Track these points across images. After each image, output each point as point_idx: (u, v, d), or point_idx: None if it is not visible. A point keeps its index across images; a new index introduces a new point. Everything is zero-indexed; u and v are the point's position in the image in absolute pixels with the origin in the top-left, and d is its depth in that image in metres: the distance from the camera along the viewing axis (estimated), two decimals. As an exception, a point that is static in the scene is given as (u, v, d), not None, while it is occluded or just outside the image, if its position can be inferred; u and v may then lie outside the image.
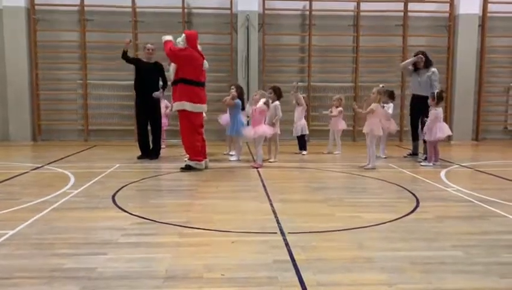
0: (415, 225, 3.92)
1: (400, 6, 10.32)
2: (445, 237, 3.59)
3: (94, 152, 8.55)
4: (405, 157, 7.98)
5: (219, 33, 10.18)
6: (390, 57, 10.59)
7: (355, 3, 10.31)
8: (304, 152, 8.25)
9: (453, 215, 4.24)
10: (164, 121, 8.75)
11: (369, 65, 10.51)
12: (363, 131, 6.85)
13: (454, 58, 10.48)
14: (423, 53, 7.79)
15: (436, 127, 6.92)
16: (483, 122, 10.75)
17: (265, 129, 6.92)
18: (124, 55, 7.42)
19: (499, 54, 10.72)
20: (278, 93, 7.49)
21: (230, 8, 10.02)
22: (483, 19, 10.41)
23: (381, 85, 6.95)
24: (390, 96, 8.04)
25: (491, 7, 10.35)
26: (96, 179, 5.80)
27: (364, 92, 10.25)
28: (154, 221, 3.97)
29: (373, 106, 6.67)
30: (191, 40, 6.37)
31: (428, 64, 7.72)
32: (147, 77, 7.47)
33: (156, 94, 7.44)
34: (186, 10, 10.08)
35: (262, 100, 6.86)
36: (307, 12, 10.29)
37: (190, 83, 6.36)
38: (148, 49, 7.55)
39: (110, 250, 3.24)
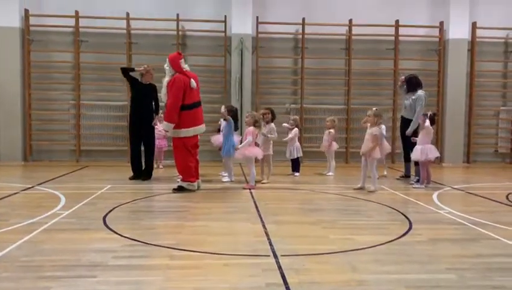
0: (408, 248, 3.90)
1: (391, 30, 10.51)
2: (439, 260, 3.57)
3: (85, 173, 8.48)
4: (397, 179, 8.00)
5: (213, 55, 10.28)
6: (381, 80, 10.74)
7: (347, 27, 10.48)
8: (297, 174, 8.25)
9: (446, 238, 4.23)
10: (163, 142, 8.75)
11: (361, 88, 10.63)
12: (361, 152, 6.83)
13: (445, 82, 10.64)
14: (406, 78, 7.91)
15: (427, 147, 6.97)
16: (474, 145, 10.84)
17: (254, 151, 6.88)
18: (126, 71, 7.50)
19: (488, 78, 10.90)
20: (272, 115, 7.56)
21: (225, 31, 10.14)
22: (473, 44, 10.62)
23: (374, 108, 6.97)
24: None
25: (479, 32, 10.57)
26: (87, 200, 5.73)
27: (357, 114, 10.36)
28: (145, 243, 3.91)
29: (374, 130, 6.68)
30: (173, 63, 6.41)
31: (413, 88, 7.80)
32: (143, 98, 7.50)
33: (154, 123, 7.59)
34: (180, 33, 10.19)
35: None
36: (300, 36, 10.43)
37: (184, 108, 6.36)
38: (152, 74, 7.57)
39: (99, 273, 3.19)
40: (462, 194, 6.77)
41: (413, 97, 7.72)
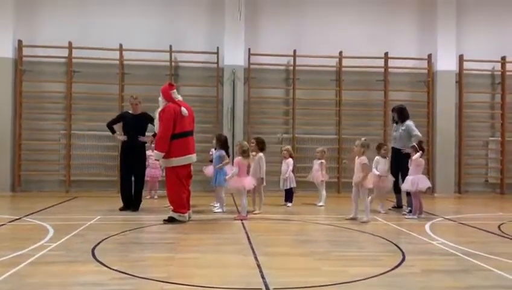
0: (402, 280, 3.86)
1: (381, 62, 10.73)
2: (433, 292, 3.53)
3: (75, 203, 8.37)
4: (389, 209, 7.98)
5: (205, 86, 10.39)
6: (372, 111, 10.88)
7: (337, 59, 10.68)
8: (289, 204, 8.20)
9: (439, 269, 4.19)
10: (158, 172, 8.69)
11: (352, 118, 10.74)
12: (354, 182, 6.82)
13: (434, 113, 10.79)
14: (396, 107, 8.06)
15: (418, 177, 7.00)
16: (465, 175, 10.91)
17: (244, 182, 6.77)
18: (110, 126, 7.57)
19: (476, 109, 11.09)
20: (261, 145, 7.48)
21: (217, 62, 10.27)
22: (460, 76, 10.85)
23: (363, 138, 6.98)
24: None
25: (466, 65, 10.82)
26: (76, 231, 5.63)
27: (348, 144, 10.42)
28: (135, 276, 3.83)
29: (363, 159, 6.69)
30: (165, 94, 6.47)
31: (403, 118, 7.92)
32: (133, 128, 7.48)
33: (142, 138, 7.47)
34: (173, 64, 10.30)
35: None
36: (291, 67, 10.60)
37: (175, 136, 6.36)
38: (132, 103, 7.56)
39: (87, 307, 3.10)
40: (455, 224, 6.76)
41: (402, 128, 7.83)
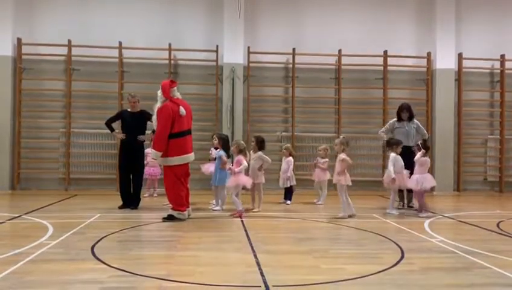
0: (401, 277, 3.86)
1: (380, 60, 10.72)
2: (432, 290, 3.54)
3: (74, 201, 8.37)
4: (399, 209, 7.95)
5: (205, 84, 10.37)
6: (371, 109, 10.88)
7: (336, 57, 10.67)
8: (288, 202, 8.20)
9: (439, 267, 4.20)
10: (157, 170, 8.68)
11: (351, 116, 10.74)
12: (333, 182, 6.87)
13: (433, 111, 10.79)
14: (405, 105, 8.04)
15: (423, 177, 7.00)
16: (463, 174, 10.92)
17: (243, 179, 6.80)
18: (109, 124, 7.60)
19: (475, 107, 11.09)
20: (260, 144, 7.48)
21: (216, 60, 10.26)
22: (459, 74, 10.84)
23: (341, 136, 7.05)
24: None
25: (465, 63, 10.81)
26: (76, 229, 5.63)
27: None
28: (134, 274, 3.83)
29: (342, 155, 6.73)
30: (164, 90, 6.43)
31: (411, 115, 7.97)
32: (131, 126, 7.47)
33: (140, 137, 7.46)
34: (172, 62, 10.29)
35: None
36: (290, 65, 10.59)
37: (173, 136, 6.34)
38: (130, 101, 7.56)
39: (86, 305, 3.10)
40: (454, 222, 6.77)
41: (413, 125, 7.94)
